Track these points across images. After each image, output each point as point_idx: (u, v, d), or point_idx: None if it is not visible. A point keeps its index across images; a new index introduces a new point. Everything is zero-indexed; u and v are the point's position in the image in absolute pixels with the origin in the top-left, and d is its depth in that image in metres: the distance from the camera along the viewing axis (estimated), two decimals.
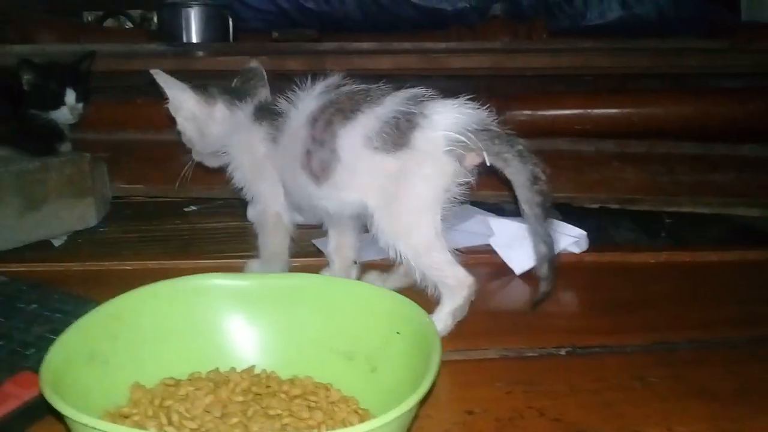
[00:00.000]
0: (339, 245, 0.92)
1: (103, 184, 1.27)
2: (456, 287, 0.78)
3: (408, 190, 0.75)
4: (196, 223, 1.33)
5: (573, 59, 1.52)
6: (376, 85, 0.80)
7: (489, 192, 1.31)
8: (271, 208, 0.89)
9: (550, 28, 1.89)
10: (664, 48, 1.74)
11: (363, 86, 0.81)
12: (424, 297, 0.78)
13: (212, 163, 0.95)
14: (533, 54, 1.54)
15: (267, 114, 0.87)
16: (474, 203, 1.33)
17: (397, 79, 1.50)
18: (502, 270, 0.97)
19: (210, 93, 0.91)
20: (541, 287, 0.82)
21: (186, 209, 1.38)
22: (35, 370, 0.52)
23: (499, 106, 1.47)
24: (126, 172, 1.34)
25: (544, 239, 0.78)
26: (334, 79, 0.83)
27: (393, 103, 0.77)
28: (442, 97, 0.78)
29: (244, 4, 2.02)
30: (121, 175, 1.32)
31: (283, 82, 1.51)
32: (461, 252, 0.79)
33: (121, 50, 1.63)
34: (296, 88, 0.83)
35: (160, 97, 0.93)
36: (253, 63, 0.99)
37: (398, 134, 0.75)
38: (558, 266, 0.81)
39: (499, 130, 0.76)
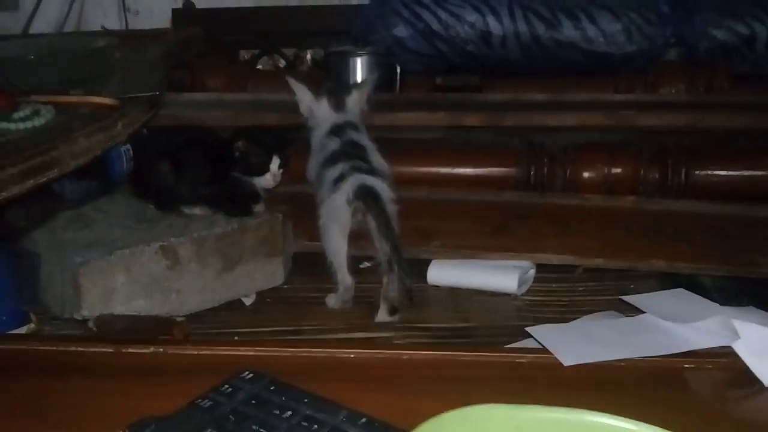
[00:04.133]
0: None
1: (289, 241, 1.28)
2: (341, 282, 1.17)
3: (328, 216, 1.17)
4: (372, 279, 1.31)
5: None
6: None
7: (663, 262, 1.24)
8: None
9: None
10: None
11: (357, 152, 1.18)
12: None
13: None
14: (728, 111, 1.44)
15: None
16: (668, 275, 1.26)
17: (580, 134, 1.49)
18: (745, 379, 0.88)
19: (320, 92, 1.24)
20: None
21: (361, 266, 1.36)
22: None
23: (688, 164, 1.42)
24: (308, 228, 1.34)
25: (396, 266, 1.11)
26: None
27: (343, 166, 1.14)
28: None
29: (404, 48, 2.01)
30: (303, 232, 1.33)
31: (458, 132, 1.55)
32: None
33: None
34: None
35: None
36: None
37: (336, 184, 1.14)
38: None
39: (376, 193, 1.12)
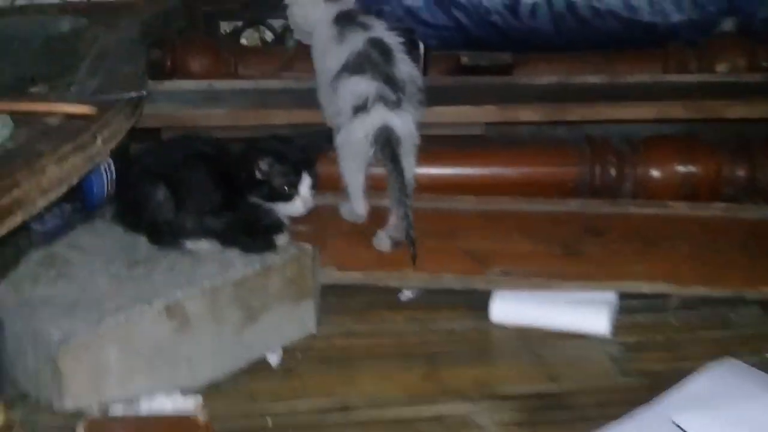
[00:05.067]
0: None
1: (317, 275, 1.03)
2: (355, 207, 1.09)
3: (347, 139, 1.03)
4: (421, 318, 1.07)
5: None
6: None
7: None
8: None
9: None
10: None
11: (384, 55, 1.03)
12: None
13: (307, 39, 1.17)
14: None
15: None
16: None
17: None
18: None
19: None
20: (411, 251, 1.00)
21: (401, 297, 1.12)
22: None
23: None
24: (336, 252, 1.09)
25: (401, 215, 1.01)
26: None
27: (369, 84, 1.01)
28: None
29: (416, 19, 1.74)
30: (331, 258, 1.07)
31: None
32: None
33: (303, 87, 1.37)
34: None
35: None
36: None
37: (357, 109, 1.01)
38: None
39: (392, 134, 1.00)
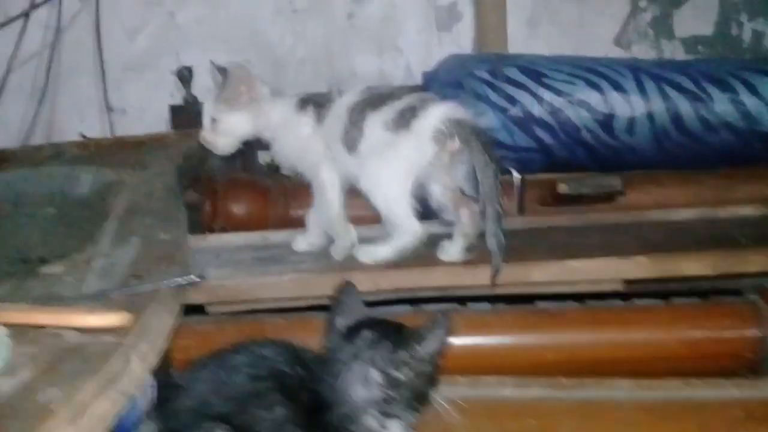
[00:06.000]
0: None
1: None
2: (406, 233, 0.98)
3: (395, 158, 0.97)
4: None
5: None
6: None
7: None
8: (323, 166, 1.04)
9: None
10: None
11: (392, 88, 1.08)
12: None
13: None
14: None
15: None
16: None
17: None
18: None
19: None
20: (493, 261, 0.93)
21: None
22: None
23: None
24: None
25: (491, 217, 0.93)
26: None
27: (408, 99, 1.00)
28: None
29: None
30: None
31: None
32: None
33: None
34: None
35: None
36: None
37: (403, 121, 0.97)
38: None
39: (472, 123, 0.98)
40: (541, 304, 1.05)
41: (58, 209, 0.87)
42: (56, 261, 0.84)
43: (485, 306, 1.05)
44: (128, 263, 0.81)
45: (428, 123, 0.96)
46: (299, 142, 1.05)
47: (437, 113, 0.97)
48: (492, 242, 0.93)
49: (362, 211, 1.04)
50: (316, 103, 1.05)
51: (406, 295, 1.00)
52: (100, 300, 0.70)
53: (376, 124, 0.99)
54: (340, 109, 1.02)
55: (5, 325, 0.64)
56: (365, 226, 1.07)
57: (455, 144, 0.96)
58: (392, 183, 0.98)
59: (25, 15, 1.57)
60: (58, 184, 0.95)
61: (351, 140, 1.00)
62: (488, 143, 0.96)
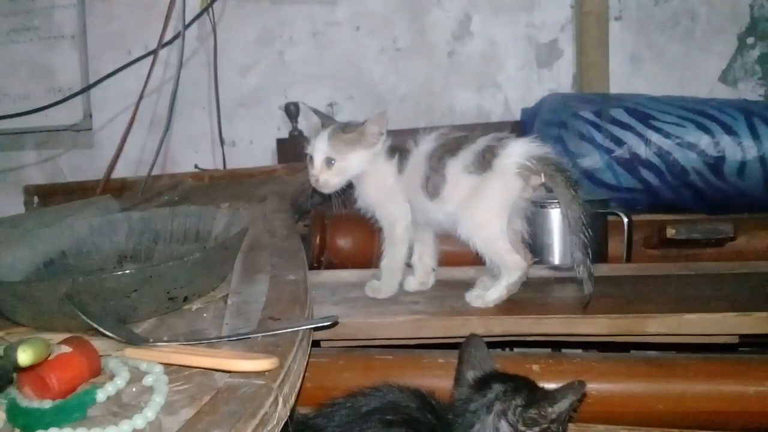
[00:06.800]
0: (421, 255, 1.12)
1: None
2: (512, 269, 1.01)
3: (485, 198, 1.01)
4: None
5: None
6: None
7: None
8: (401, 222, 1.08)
9: None
10: None
11: (464, 133, 1.07)
12: None
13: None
14: None
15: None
16: None
17: None
18: None
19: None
20: (584, 289, 0.95)
21: None
22: None
23: None
24: None
25: (579, 246, 0.95)
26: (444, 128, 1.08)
27: (483, 141, 1.02)
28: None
29: (598, 183, 1.51)
30: None
31: None
32: None
33: None
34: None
35: None
36: None
37: (484, 162, 1.01)
38: None
39: (556, 159, 1.00)
40: (651, 354, 1.05)
41: (200, 248, 0.94)
42: (195, 298, 0.90)
43: (595, 354, 1.05)
44: (261, 302, 0.87)
45: (511, 161, 0.99)
46: (383, 189, 1.07)
47: (519, 150, 1.00)
48: (581, 270, 0.94)
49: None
50: (401, 152, 1.07)
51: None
52: (242, 341, 0.75)
53: (457, 168, 1.01)
54: (418, 158, 1.05)
55: (158, 361, 0.71)
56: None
57: (539, 179, 0.99)
58: (487, 223, 1.01)
59: (153, 53, 1.68)
60: (194, 222, 1.02)
61: (433, 187, 1.03)
62: (572, 178, 0.98)
